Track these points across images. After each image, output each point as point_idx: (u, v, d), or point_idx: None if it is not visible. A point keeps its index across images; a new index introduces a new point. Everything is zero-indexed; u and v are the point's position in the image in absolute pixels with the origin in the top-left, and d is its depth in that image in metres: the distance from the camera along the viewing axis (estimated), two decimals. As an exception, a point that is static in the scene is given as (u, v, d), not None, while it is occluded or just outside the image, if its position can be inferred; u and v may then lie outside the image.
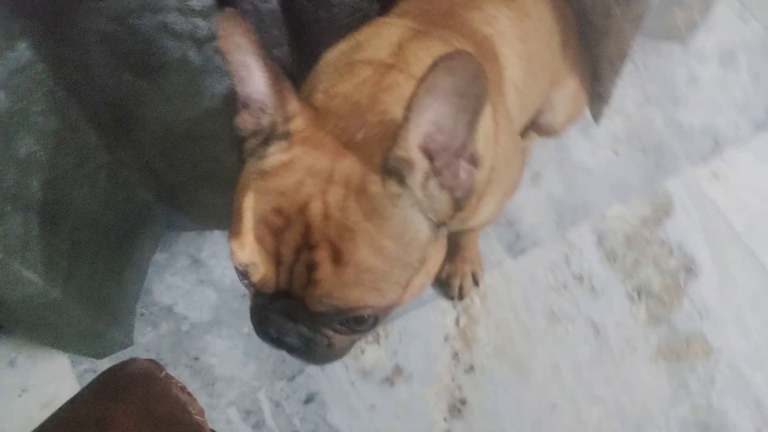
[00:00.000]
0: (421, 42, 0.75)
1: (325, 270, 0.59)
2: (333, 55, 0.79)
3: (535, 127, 1.18)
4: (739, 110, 1.38)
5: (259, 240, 0.61)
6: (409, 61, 0.72)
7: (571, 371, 1.17)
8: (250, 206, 0.62)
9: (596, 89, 1.18)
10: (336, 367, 1.17)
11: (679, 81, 1.39)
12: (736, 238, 1.27)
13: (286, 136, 0.63)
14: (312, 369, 1.17)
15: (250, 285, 0.65)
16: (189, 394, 0.54)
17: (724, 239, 1.27)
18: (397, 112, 0.66)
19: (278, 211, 0.60)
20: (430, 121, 0.58)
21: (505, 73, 0.87)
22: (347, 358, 1.17)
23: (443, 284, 1.22)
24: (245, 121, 0.66)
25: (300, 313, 0.64)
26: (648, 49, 1.41)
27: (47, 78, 0.74)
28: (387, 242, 0.60)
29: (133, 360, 0.53)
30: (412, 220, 0.62)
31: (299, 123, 0.64)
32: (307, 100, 0.68)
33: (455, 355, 1.18)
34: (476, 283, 1.22)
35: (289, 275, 0.60)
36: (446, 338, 1.19)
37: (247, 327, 1.20)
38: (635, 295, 1.23)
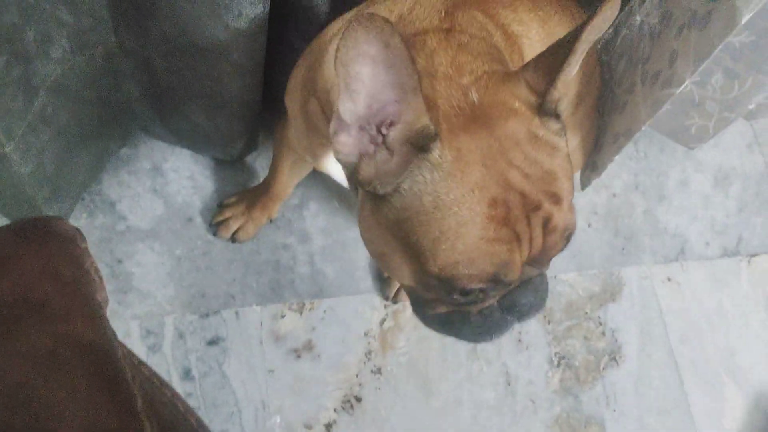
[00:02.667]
0: (466, 6, 0.75)
1: (557, 215, 0.63)
2: None
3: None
4: (714, 231, 1.41)
5: (495, 239, 0.61)
6: (464, 23, 0.72)
7: (471, 409, 1.17)
8: (460, 217, 0.61)
9: (593, 158, 1.19)
10: (250, 322, 1.15)
11: (670, 180, 1.42)
12: (667, 345, 1.29)
13: (437, 136, 0.60)
14: (227, 314, 1.14)
15: (495, 287, 0.65)
16: (101, 278, 0.51)
17: (655, 341, 1.29)
18: (480, 65, 0.67)
19: (493, 201, 0.61)
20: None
21: None
22: (265, 315, 1.16)
23: (383, 281, 1.21)
24: (345, 144, 0.61)
25: (535, 272, 0.68)
26: (654, 141, 1.42)
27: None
28: (568, 166, 0.66)
29: (58, 218, 0.51)
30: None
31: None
32: None
33: (368, 353, 1.17)
34: (414, 294, 1.22)
35: (528, 246, 0.63)
36: (366, 334, 1.19)
37: (180, 250, 1.17)
38: (556, 361, 1.24)
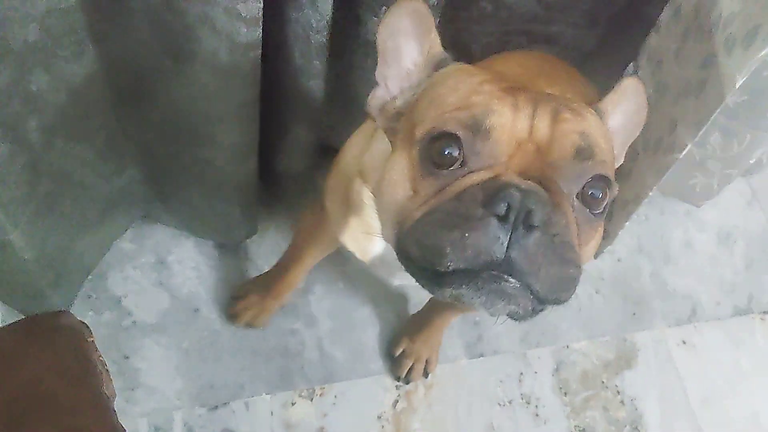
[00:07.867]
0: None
1: (568, 113, 0.60)
2: None
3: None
4: (723, 290, 1.39)
5: (488, 92, 0.60)
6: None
7: (492, 490, 1.13)
8: (458, 80, 0.63)
9: (604, 226, 1.19)
10: (261, 411, 1.13)
11: (675, 242, 1.41)
12: (689, 409, 1.25)
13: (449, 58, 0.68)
14: (237, 405, 1.12)
15: (473, 140, 0.56)
16: (107, 372, 0.52)
17: (676, 407, 1.25)
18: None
19: (497, 76, 0.63)
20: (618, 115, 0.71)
21: None
22: (276, 404, 1.13)
23: (394, 361, 1.19)
24: (376, 97, 0.69)
25: (541, 191, 0.55)
26: (654, 203, 1.43)
27: (82, 28, 0.75)
28: (603, 127, 0.66)
29: (65, 312, 0.52)
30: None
31: None
32: None
33: (382, 437, 1.14)
34: (426, 374, 1.20)
35: (529, 122, 0.58)
36: (379, 417, 1.16)
37: (187, 342, 1.16)
38: (577, 434, 1.20)
